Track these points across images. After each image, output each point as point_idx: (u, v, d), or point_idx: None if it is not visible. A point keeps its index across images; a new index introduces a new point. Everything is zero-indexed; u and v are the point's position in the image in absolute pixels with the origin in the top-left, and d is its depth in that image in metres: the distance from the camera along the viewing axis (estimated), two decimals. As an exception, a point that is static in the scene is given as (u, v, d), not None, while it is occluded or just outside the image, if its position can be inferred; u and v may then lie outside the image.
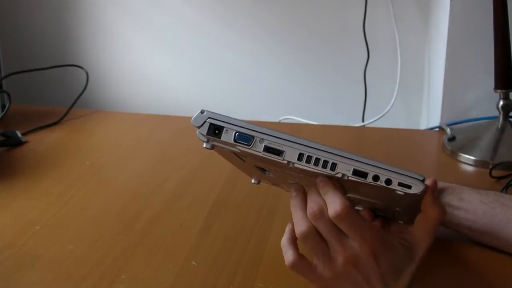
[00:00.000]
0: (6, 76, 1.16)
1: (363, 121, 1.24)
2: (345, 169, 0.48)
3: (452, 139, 0.99)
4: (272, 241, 0.69)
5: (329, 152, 0.48)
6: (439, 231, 0.68)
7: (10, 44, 1.35)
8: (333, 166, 0.48)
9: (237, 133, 0.50)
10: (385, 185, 0.47)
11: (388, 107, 1.21)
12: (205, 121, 0.53)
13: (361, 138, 1.09)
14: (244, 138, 0.50)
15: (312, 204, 0.50)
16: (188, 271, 0.64)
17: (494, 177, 0.86)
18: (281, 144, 0.49)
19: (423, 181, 0.48)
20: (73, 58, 1.35)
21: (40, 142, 1.03)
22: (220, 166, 0.93)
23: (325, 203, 0.49)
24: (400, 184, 0.47)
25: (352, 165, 0.48)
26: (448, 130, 1.01)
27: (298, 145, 0.49)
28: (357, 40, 1.23)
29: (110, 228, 0.73)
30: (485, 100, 1.03)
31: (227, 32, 1.30)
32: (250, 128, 0.50)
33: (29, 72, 1.19)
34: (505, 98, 0.95)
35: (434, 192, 0.52)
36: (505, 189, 0.81)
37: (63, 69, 1.27)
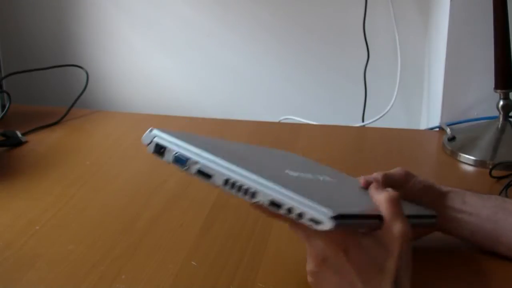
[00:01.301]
0: (6, 76, 1.16)
1: (363, 121, 1.24)
2: (264, 198, 0.48)
3: (452, 139, 0.99)
4: (272, 241, 0.69)
5: (252, 180, 0.48)
6: (440, 239, 0.67)
7: (10, 44, 1.35)
8: (254, 195, 0.48)
9: (176, 154, 0.51)
10: (296, 219, 0.47)
11: (388, 107, 1.21)
12: (151, 140, 0.54)
13: (361, 138, 1.09)
14: (180, 160, 0.50)
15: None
16: (188, 271, 0.64)
17: (494, 177, 0.86)
18: (212, 168, 0.49)
19: (337, 217, 0.45)
20: (73, 58, 1.35)
21: (40, 142, 1.03)
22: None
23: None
24: (311, 219, 0.46)
25: (271, 195, 0.48)
26: (448, 130, 1.01)
27: (226, 170, 0.49)
28: (357, 40, 1.23)
29: (110, 228, 0.73)
30: (485, 100, 1.03)
31: (227, 32, 1.30)
32: (188, 149, 0.50)
33: (29, 72, 1.19)
34: (505, 98, 0.95)
35: (394, 205, 0.52)
36: (505, 189, 0.81)
37: (63, 69, 1.27)
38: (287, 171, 0.56)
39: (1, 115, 1.09)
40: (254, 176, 0.48)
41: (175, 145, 0.51)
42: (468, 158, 0.93)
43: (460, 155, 0.95)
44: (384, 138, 1.06)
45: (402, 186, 0.64)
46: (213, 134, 1.07)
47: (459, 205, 0.64)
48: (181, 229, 0.73)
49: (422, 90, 1.26)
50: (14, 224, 0.74)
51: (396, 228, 0.50)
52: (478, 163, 0.92)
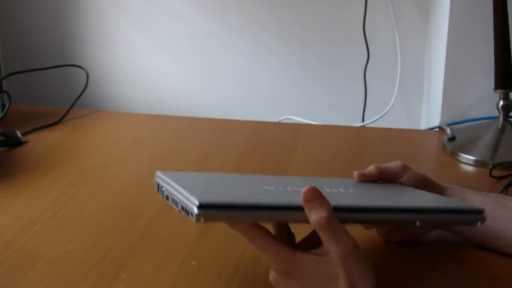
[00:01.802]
0: (6, 76, 1.16)
1: (363, 121, 1.24)
2: (179, 206, 0.50)
3: (452, 139, 0.99)
4: (272, 241, 0.69)
5: (177, 191, 0.51)
6: (439, 235, 0.68)
7: (10, 44, 1.35)
8: (179, 205, 0.50)
9: (161, 189, 0.55)
10: (182, 213, 0.49)
11: (388, 107, 1.21)
12: (155, 180, 0.58)
13: (361, 138, 1.09)
14: (163, 194, 0.55)
15: None
16: (188, 271, 0.64)
17: (494, 177, 0.86)
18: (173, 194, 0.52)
19: (205, 207, 0.46)
20: (73, 58, 1.35)
21: (40, 142, 1.02)
22: (219, 166, 0.93)
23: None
24: (184, 210, 0.48)
25: (176, 196, 0.51)
26: (448, 130, 1.01)
27: (173, 190, 0.52)
28: (357, 40, 1.23)
29: (110, 228, 0.73)
30: (485, 100, 1.03)
31: (227, 32, 1.30)
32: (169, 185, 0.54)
33: (29, 72, 1.19)
34: (505, 98, 0.95)
35: (325, 229, 0.49)
36: (505, 189, 0.81)
37: (63, 69, 1.27)
38: (263, 186, 0.57)
39: (1, 115, 1.09)
40: (179, 188, 0.51)
41: (166, 184, 0.55)
42: (468, 158, 0.93)
43: (460, 155, 0.95)
44: (384, 138, 1.06)
45: (398, 179, 0.64)
46: (213, 134, 1.07)
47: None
48: (181, 229, 0.73)
49: (422, 90, 1.26)
50: (14, 224, 0.74)
51: (333, 252, 0.49)
52: (478, 163, 0.92)
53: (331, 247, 0.49)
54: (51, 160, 0.95)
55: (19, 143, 1.01)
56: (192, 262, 0.65)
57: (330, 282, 0.49)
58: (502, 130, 0.96)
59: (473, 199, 0.65)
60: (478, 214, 0.55)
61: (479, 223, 0.55)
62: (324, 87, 1.30)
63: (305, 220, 0.50)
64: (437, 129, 1.08)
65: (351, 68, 1.26)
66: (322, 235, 0.49)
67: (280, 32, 1.28)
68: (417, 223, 0.53)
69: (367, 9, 1.20)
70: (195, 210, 0.46)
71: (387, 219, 0.54)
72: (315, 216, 0.49)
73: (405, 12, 1.21)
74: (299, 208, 0.49)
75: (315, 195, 0.49)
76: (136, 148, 1.01)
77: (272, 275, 0.54)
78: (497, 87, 0.94)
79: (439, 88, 1.07)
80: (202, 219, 0.46)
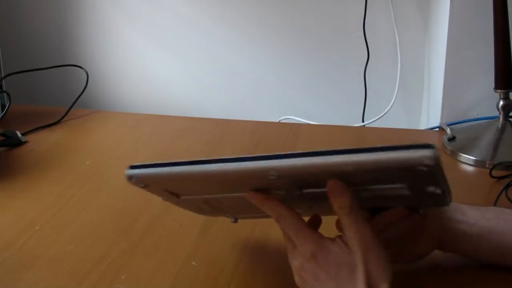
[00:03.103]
0: (6, 76, 1.16)
1: (363, 121, 1.24)
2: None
3: (452, 139, 0.99)
4: (272, 241, 0.69)
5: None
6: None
7: (10, 44, 1.35)
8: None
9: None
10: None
11: (388, 107, 1.21)
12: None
13: (361, 138, 1.09)
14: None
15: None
16: (188, 271, 0.64)
17: (494, 177, 0.86)
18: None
19: (132, 167, 0.54)
20: (73, 58, 1.35)
21: (40, 142, 1.03)
22: (220, 166, 0.93)
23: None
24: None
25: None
26: (448, 130, 1.01)
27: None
28: (357, 40, 1.23)
29: (110, 228, 0.73)
30: (485, 100, 1.03)
31: (227, 32, 1.30)
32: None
33: (29, 72, 1.19)
34: (505, 98, 0.95)
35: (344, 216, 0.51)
36: (505, 189, 0.81)
37: (63, 69, 1.27)
38: None
39: (1, 115, 1.09)
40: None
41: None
42: (468, 158, 0.93)
43: (460, 155, 0.95)
44: (384, 138, 1.06)
45: None
46: (213, 134, 1.07)
47: (459, 216, 0.62)
48: (181, 229, 0.73)
49: (422, 90, 1.26)
50: (14, 224, 0.74)
51: (353, 239, 0.50)
52: (478, 163, 0.92)
53: (351, 234, 0.50)
54: (51, 160, 0.95)
55: (19, 143, 1.01)
56: (192, 262, 0.65)
57: (350, 272, 0.50)
58: (502, 130, 0.96)
59: (473, 214, 0.62)
60: (427, 148, 0.44)
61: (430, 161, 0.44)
62: (324, 87, 1.30)
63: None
64: (437, 129, 1.08)
65: (351, 68, 1.26)
66: (344, 222, 0.51)
67: (280, 32, 1.28)
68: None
69: (367, 9, 1.20)
70: (126, 172, 0.53)
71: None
72: (338, 204, 0.50)
73: (405, 12, 1.21)
74: (209, 162, 0.51)
75: (338, 186, 0.51)
76: (136, 148, 1.01)
77: (297, 259, 0.53)
78: (497, 87, 0.94)
79: (439, 88, 1.07)
80: (132, 179, 0.53)
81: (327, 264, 0.51)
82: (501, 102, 0.95)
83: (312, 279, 0.52)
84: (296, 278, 0.54)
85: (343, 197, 0.50)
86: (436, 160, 0.43)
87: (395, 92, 1.21)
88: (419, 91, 1.26)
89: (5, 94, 1.11)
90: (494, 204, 0.78)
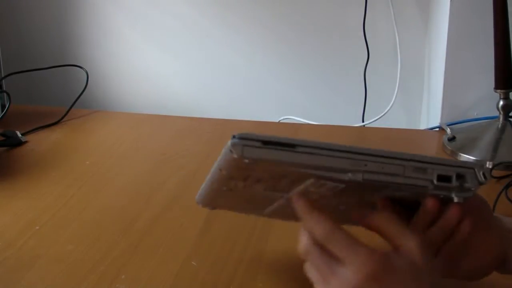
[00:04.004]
0: (6, 76, 1.16)
1: (363, 121, 1.24)
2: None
3: (452, 139, 0.99)
4: (272, 241, 0.69)
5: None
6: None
7: (10, 44, 1.35)
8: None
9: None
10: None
11: (388, 107, 1.21)
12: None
13: (361, 138, 1.09)
14: None
15: (300, 241, 0.47)
16: (188, 271, 0.64)
17: (494, 177, 0.86)
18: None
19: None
20: (73, 58, 1.35)
21: (40, 142, 1.02)
22: (220, 166, 0.93)
23: (309, 237, 0.46)
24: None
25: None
26: (448, 130, 1.01)
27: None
28: (357, 40, 1.23)
29: (110, 228, 0.73)
30: (485, 100, 1.03)
31: (227, 32, 1.30)
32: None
33: (29, 72, 1.19)
34: (505, 98, 0.95)
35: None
36: (505, 189, 0.81)
37: (63, 69, 1.27)
38: None
39: (1, 115, 1.09)
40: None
41: None
42: (468, 158, 0.93)
43: (460, 155, 0.95)
44: (384, 138, 1.06)
45: None
46: (213, 134, 1.07)
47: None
48: (181, 229, 0.73)
49: (422, 90, 1.26)
50: (14, 224, 0.74)
51: (407, 246, 0.45)
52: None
53: (402, 241, 0.45)
54: (51, 160, 0.95)
55: (19, 143, 1.01)
56: (192, 262, 0.65)
57: (414, 282, 0.44)
58: (502, 130, 0.96)
59: None
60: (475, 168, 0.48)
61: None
62: (324, 87, 1.30)
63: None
64: (437, 129, 1.08)
65: (351, 68, 1.26)
66: (391, 229, 0.46)
67: (281, 32, 1.28)
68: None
69: (367, 9, 1.20)
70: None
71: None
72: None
73: (405, 12, 1.21)
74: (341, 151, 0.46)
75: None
76: (136, 148, 1.01)
77: (342, 283, 0.44)
78: (497, 87, 0.94)
79: (439, 88, 1.07)
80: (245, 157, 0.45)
81: (394, 283, 0.43)
82: (501, 102, 0.95)
83: None
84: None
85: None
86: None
87: (395, 92, 1.21)
88: (419, 91, 1.26)
89: (5, 94, 1.11)
90: (494, 204, 0.78)
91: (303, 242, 0.47)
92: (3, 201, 0.80)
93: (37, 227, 0.73)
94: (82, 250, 0.68)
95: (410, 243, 0.45)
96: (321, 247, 0.45)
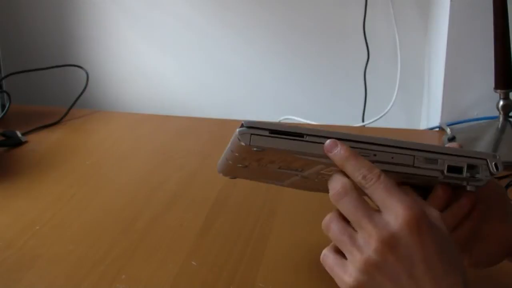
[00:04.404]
0: (6, 76, 1.16)
1: (363, 121, 1.24)
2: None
3: (452, 139, 0.99)
4: (272, 241, 0.69)
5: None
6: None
7: (10, 44, 1.35)
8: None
9: None
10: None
11: (388, 107, 1.21)
12: None
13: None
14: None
15: (334, 184, 0.44)
16: (188, 271, 0.64)
17: (494, 177, 0.86)
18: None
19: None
20: (73, 58, 1.35)
21: (40, 142, 1.02)
22: (220, 166, 0.93)
23: (349, 178, 0.44)
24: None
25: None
26: (448, 130, 1.01)
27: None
28: (357, 40, 1.23)
29: (110, 228, 0.73)
30: (485, 100, 1.03)
31: (227, 32, 1.30)
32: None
33: (29, 72, 1.19)
34: (505, 98, 0.95)
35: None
36: (505, 189, 0.81)
37: (63, 69, 1.27)
38: None
39: (1, 115, 1.09)
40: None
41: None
42: (468, 158, 0.93)
43: (460, 155, 0.94)
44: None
45: None
46: (213, 134, 1.07)
47: None
48: (181, 229, 0.73)
49: (422, 90, 1.26)
50: (14, 224, 0.74)
51: (399, 219, 0.41)
52: (478, 163, 0.92)
53: (428, 211, 0.42)
54: (51, 160, 0.94)
55: (19, 143, 1.01)
56: (192, 262, 0.65)
57: (448, 244, 0.41)
58: (502, 130, 0.96)
59: None
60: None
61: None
62: (324, 87, 1.30)
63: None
64: (437, 129, 1.08)
65: (351, 68, 1.26)
66: (380, 196, 0.42)
67: (280, 32, 1.28)
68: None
69: (367, 9, 1.20)
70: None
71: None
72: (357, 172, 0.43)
73: (405, 12, 1.21)
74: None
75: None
76: (136, 148, 1.01)
77: (363, 257, 0.40)
78: (497, 87, 0.94)
79: (439, 88, 1.07)
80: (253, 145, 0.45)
81: (405, 258, 0.39)
82: (501, 102, 0.95)
83: (413, 253, 0.39)
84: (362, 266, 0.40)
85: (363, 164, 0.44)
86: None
87: (395, 92, 1.21)
88: (419, 91, 1.26)
89: (5, 94, 1.11)
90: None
91: (328, 216, 0.45)
92: (3, 201, 0.80)
93: (37, 227, 0.73)
94: (82, 250, 0.68)
95: (435, 213, 0.43)
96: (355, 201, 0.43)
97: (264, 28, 1.28)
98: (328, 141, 0.46)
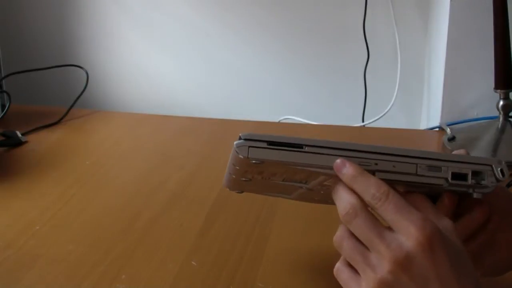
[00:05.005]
0: (6, 76, 1.16)
1: (363, 121, 1.24)
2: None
3: (452, 139, 0.99)
4: (272, 241, 0.69)
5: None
6: None
7: (10, 44, 1.35)
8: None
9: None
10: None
11: (388, 107, 1.21)
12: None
13: (361, 138, 1.09)
14: None
15: (343, 205, 0.44)
16: (188, 271, 0.64)
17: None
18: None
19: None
20: (73, 58, 1.35)
21: (40, 142, 1.02)
22: (220, 167, 0.92)
23: (358, 198, 0.44)
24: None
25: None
26: (448, 130, 1.01)
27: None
28: (357, 40, 1.23)
29: (110, 228, 0.73)
30: (485, 100, 1.03)
31: (227, 32, 1.30)
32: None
33: (29, 72, 1.19)
34: (505, 98, 0.95)
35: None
36: (505, 189, 0.81)
37: (63, 69, 1.27)
38: None
39: (1, 115, 1.09)
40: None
41: None
42: (468, 158, 0.93)
43: (460, 155, 0.94)
44: (384, 138, 1.06)
45: None
46: (213, 134, 1.07)
47: None
48: (181, 229, 0.73)
49: (422, 90, 1.26)
50: (14, 224, 0.74)
51: (411, 239, 0.40)
52: (478, 163, 0.92)
53: (439, 222, 0.42)
54: (51, 160, 0.95)
55: (19, 143, 1.01)
56: (192, 262, 0.65)
57: (468, 269, 0.40)
58: (502, 130, 0.96)
59: None
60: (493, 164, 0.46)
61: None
62: (324, 87, 1.30)
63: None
64: (437, 129, 1.08)
65: (351, 68, 1.26)
66: (390, 216, 0.42)
67: (280, 32, 1.28)
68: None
69: (367, 9, 1.20)
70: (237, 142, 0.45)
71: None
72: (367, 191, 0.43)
73: (405, 12, 1.21)
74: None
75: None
76: (136, 148, 1.01)
77: (392, 251, 0.40)
78: (497, 87, 0.94)
79: (439, 88, 1.07)
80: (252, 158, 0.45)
81: (417, 276, 0.39)
82: (501, 102, 0.95)
83: (429, 270, 0.39)
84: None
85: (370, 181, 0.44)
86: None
87: (395, 92, 1.21)
88: (419, 91, 1.26)
89: (5, 94, 1.11)
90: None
91: (339, 232, 0.44)
92: (3, 201, 0.80)
93: (37, 227, 0.73)
94: (82, 250, 0.68)
95: (448, 224, 0.43)
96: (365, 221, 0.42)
97: (264, 28, 1.28)
98: (337, 160, 0.45)
